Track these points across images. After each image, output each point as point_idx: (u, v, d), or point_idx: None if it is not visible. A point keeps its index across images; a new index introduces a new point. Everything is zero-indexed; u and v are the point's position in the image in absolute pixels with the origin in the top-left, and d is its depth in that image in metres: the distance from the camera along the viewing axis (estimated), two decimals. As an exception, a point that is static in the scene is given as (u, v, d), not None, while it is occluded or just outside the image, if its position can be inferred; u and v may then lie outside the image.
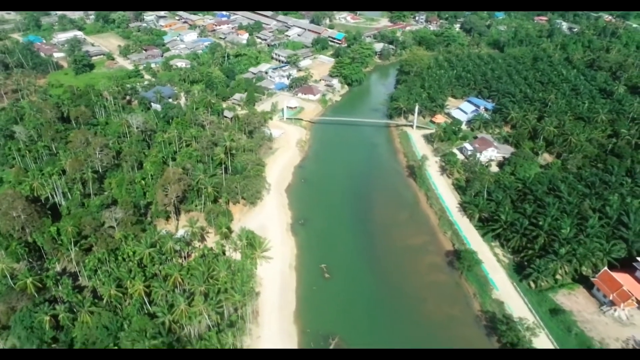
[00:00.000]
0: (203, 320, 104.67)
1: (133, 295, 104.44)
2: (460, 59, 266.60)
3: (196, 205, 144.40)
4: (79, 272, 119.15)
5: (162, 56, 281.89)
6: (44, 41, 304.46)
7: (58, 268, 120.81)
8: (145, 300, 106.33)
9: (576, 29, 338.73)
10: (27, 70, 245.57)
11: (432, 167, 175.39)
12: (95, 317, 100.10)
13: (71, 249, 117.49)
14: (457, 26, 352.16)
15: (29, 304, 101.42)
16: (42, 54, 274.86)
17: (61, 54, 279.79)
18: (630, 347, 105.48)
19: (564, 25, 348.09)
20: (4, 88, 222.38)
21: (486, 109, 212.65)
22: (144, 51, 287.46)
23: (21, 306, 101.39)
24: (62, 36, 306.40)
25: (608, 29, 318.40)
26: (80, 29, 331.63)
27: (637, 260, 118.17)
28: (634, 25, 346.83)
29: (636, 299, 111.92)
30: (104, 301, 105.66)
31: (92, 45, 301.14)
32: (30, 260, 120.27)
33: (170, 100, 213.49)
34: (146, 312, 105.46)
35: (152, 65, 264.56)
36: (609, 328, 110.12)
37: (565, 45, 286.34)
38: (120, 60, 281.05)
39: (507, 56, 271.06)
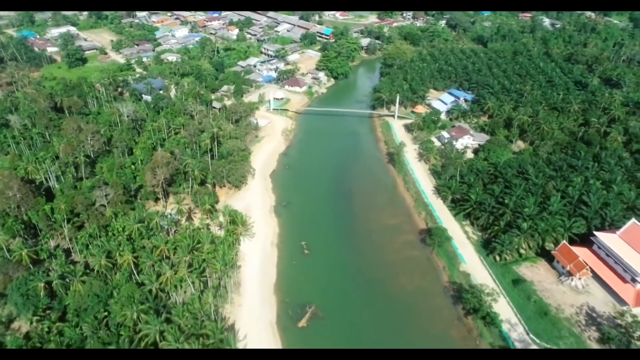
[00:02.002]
0: (188, 289, 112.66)
1: (122, 265, 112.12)
2: (443, 52, 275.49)
3: (184, 188, 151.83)
4: (72, 248, 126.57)
5: (153, 51, 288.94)
6: (38, 36, 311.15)
7: (52, 244, 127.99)
8: (134, 270, 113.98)
9: (558, 25, 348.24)
10: (22, 63, 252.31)
11: (411, 154, 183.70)
12: (86, 286, 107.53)
13: (64, 226, 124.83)
14: (442, 22, 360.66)
15: (25, 274, 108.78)
16: (35, 49, 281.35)
17: (55, 49, 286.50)
18: (584, 312, 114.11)
19: (547, 22, 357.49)
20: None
21: (466, 100, 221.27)
22: (136, 46, 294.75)
23: (17, 275, 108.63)
24: (55, 31, 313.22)
25: (588, 25, 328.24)
26: (73, 24, 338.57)
27: (594, 235, 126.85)
28: (615, 22, 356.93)
29: (591, 268, 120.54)
30: (95, 272, 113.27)
31: (85, 40, 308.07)
32: (26, 237, 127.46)
33: (160, 92, 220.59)
34: (134, 281, 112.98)
35: (144, 59, 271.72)
36: (565, 296, 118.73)
37: (547, 40, 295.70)
38: (112, 54, 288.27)
39: (489, 50, 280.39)
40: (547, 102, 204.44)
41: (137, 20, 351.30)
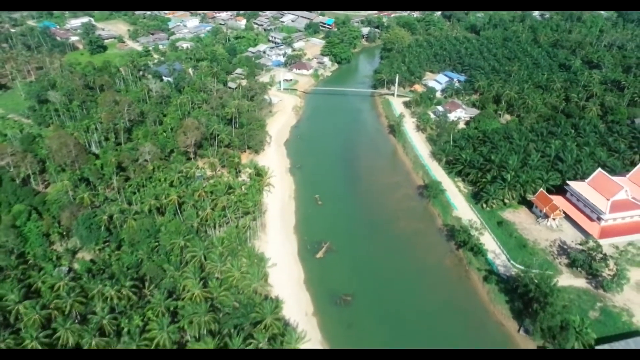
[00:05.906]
0: (223, 228, 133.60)
1: (168, 205, 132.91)
2: (439, 39, 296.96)
3: (210, 153, 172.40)
4: (119, 198, 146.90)
5: (168, 39, 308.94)
6: (58, 26, 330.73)
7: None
8: (178, 211, 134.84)
9: (547, 15, 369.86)
10: (47, 50, 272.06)
11: (409, 126, 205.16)
12: (138, 222, 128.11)
13: (113, 178, 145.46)
14: (438, 13, 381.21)
15: (88, 211, 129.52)
16: (57, 38, 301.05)
17: (76, 37, 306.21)
18: (556, 245, 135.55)
19: (536, 12, 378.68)
20: (30, 65, 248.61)
21: (459, 81, 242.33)
22: (151, 35, 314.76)
23: (81, 213, 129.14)
24: (74, 22, 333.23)
25: (574, 15, 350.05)
26: (90, 15, 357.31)
27: (568, 184, 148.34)
28: (600, 11, 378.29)
29: (563, 211, 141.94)
30: (144, 212, 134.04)
31: (103, 30, 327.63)
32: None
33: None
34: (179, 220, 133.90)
35: (160, 47, 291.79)
36: (541, 233, 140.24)
37: (535, 28, 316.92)
38: (130, 42, 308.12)
39: (481, 38, 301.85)
40: (532, 81, 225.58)
41: (149, 12, 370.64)
